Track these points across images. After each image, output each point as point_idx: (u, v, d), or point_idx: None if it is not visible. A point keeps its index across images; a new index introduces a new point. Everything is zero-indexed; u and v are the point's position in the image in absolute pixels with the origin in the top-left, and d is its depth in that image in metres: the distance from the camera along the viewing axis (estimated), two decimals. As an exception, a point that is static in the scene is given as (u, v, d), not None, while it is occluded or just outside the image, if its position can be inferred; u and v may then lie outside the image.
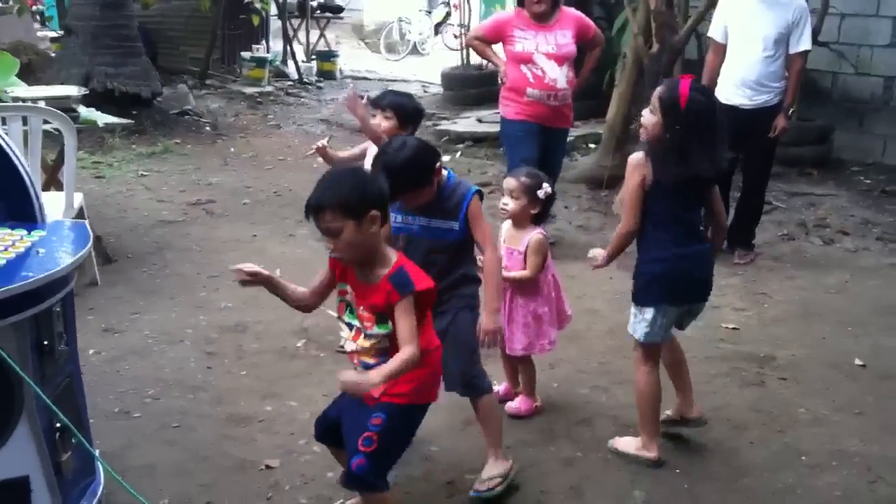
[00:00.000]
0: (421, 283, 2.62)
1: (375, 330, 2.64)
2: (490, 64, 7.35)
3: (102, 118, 5.77)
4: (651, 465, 3.46)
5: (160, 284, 5.28)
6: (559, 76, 5.73)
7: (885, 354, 4.59)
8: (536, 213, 3.71)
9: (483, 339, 3.22)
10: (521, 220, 3.74)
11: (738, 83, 5.86)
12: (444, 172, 3.15)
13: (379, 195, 2.59)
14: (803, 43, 5.81)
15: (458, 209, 3.12)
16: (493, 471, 3.30)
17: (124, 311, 4.85)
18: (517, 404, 3.90)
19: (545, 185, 3.68)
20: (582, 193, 7.56)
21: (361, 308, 2.66)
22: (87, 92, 6.33)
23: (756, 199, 6.22)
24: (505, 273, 3.59)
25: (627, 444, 3.56)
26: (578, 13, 6.06)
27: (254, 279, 2.69)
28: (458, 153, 9.03)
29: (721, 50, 6.01)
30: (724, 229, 3.63)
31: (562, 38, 5.75)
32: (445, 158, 8.68)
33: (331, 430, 2.90)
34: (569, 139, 8.83)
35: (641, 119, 3.35)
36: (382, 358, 2.64)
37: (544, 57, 5.72)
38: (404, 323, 2.56)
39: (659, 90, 3.28)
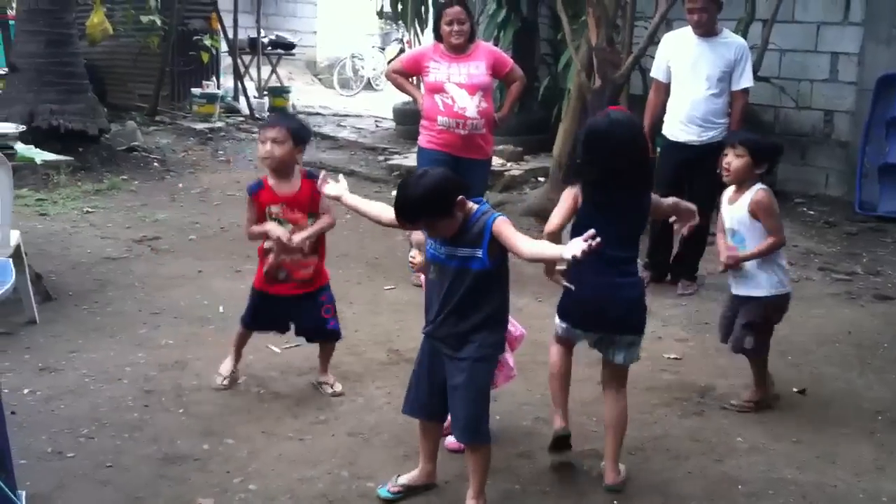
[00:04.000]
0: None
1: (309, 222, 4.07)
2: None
3: (41, 155, 5.71)
4: (555, 436, 3.64)
5: (100, 322, 5.20)
6: (469, 105, 5.88)
7: (824, 383, 4.65)
8: None
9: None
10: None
11: (684, 120, 5.98)
12: (473, 205, 3.17)
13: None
14: (745, 80, 5.95)
15: (482, 236, 3.11)
16: None
17: (62, 350, 4.76)
18: (455, 441, 3.87)
19: None
20: (531, 226, 7.57)
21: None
22: (24, 129, 6.25)
23: (701, 232, 6.30)
24: None
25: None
26: (494, 48, 6.29)
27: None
28: (409, 188, 9.03)
29: (663, 88, 6.13)
30: (689, 209, 3.79)
31: (474, 69, 5.92)
32: (393, 193, 8.74)
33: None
34: (517, 173, 9.00)
35: None
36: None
37: (455, 86, 5.88)
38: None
39: None
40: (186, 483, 3.52)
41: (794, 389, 4.51)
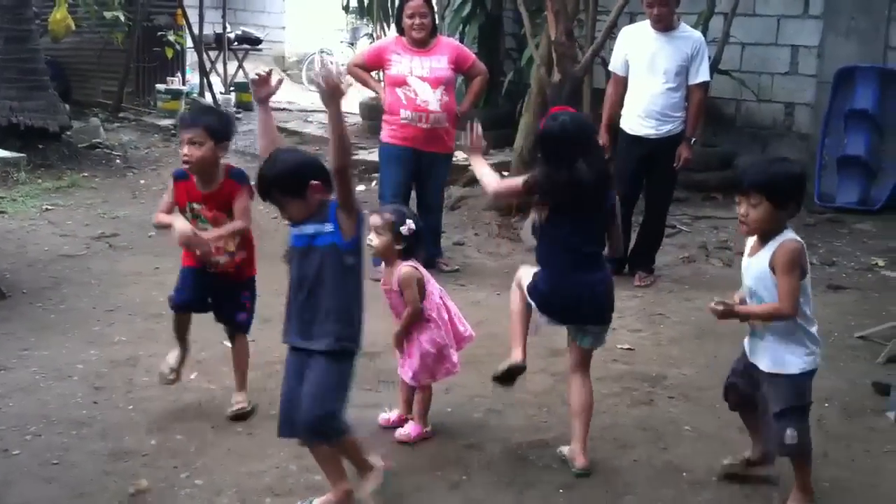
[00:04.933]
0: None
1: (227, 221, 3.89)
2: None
3: (-6, 152, 5.65)
4: (511, 366, 3.69)
5: (54, 320, 5.17)
6: (431, 98, 5.92)
7: (773, 371, 4.69)
8: (401, 248, 3.74)
9: None
10: (387, 257, 3.78)
11: (642, 114, 6.02)
12: (332, 196, 3.13)
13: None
14: (702, 74, 6.00)
15: (328, 209, 3.12)
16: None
17: (13, 348, 4.73)
18: (407, 430, 3.89)
19: (409, 221, 3.74)
20: (492, 220, 7.62)
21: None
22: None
23: (658, 224, 6.36)
24: (396, 335, 3.81)
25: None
26: (456, 43, 6.33)
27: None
28: (374, 182, 9.02)
29: (621, 82, 6.17)
30: (619, 247, 3.89)
31: (436, 63, 5.96)
32: (360, 188, 8.74)
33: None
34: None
35: None
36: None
37: (418, 80, 5.92)
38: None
39: None
40: (132, 478, 3.50)
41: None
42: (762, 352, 3.26)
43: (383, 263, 3.85)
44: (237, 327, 4.16)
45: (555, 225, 3.55)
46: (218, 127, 3.85)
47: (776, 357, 3.21)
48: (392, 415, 4.02)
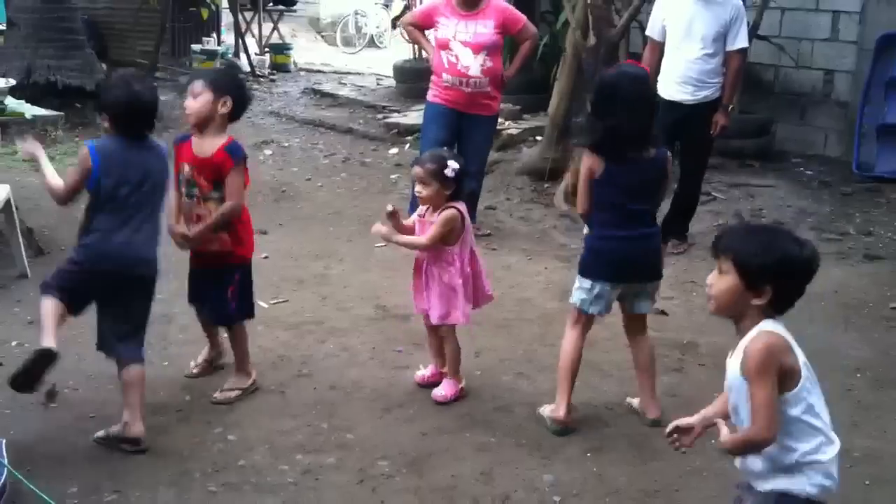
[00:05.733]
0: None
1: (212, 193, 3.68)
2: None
3: (31, 110, 5.74)
4: (556, 426, 3.64)
5: (91, 276, 5.23)
6: (472, 64, 5.87)
7: (806, 341, 4.58)
8: (450, 193, 3.75)
9: None
10: (438, 204, 3.78)
11: (679, 80, 5.95)
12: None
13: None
14: (740, 41, 5.91)
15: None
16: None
17: (51, 304, 4.80)
18: (443, 391, 3.92)
19: (451, 162, 3.72)
20: (524, 185, 7.60)
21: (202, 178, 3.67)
22: (13, 84, 6.25)
23: (692, 191, 6.30)
24: (398, 237, 3.80)
25: (546, 407, 3.75)
26: (506, 5, 6.21)
27: None
28: (407, 145, 9.04)
29: (657, 48, 6.10)
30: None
31: (482, 28, 5.88)
32: (394, 150, 8.74)
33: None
34: (515, 132, 8.96)
35: None
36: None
37: (460, 44, 5.87)
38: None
39: None
40: (167, 433, 3.58)
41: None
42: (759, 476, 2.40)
43: (417, 213, 3.89)
44: (221, 320, 3.98)
45: (607, 182, 3.55)
46: (219, 80, 3.74)
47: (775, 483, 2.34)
48: (427, 372, 4.05)
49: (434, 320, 3.86)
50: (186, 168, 3.73)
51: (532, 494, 3.26)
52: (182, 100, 4.03)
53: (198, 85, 3.70)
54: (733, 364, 2.36)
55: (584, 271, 3.67)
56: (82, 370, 4.07)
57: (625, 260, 3.61)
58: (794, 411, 2.30)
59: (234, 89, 3.75)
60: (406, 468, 3.39)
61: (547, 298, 5.19)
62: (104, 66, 10.32)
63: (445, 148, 4.49)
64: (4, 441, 3.15)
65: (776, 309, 2.33)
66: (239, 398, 3.86)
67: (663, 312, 4.88)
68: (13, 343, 4.29)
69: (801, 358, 2.34)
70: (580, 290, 3.67)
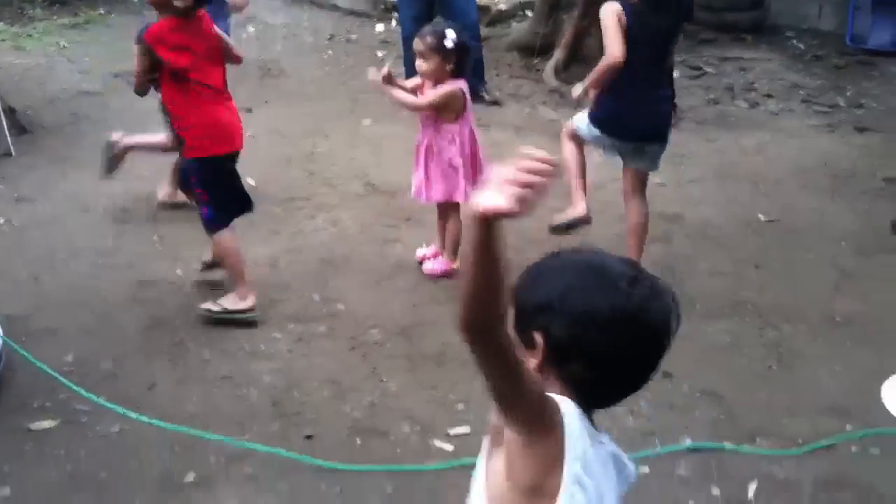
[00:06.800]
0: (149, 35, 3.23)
1: None
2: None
3: (7, -16, 5.54)
4: (581, 221, 3.75)
5: (76, 155, 5.19)
6: None
7: (793, 212, 4.70)
8: (453, 66, 3.68)
9: None
10: (441, 80, 3.70)
11: None
12: None
13: None
14: None
15: None
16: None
17: (38, 182, 4.79)
18: (433, 265, 3.95)
19: (449, 32, 3.64)
20: (514, 61, 7.45)
21: None
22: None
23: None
24: (395, 91, 3.76)
25: (561, 215, 3.80)
26: None
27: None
28: (393, 21, 8.82)
29: None
30: None
31: None
32: (380, 27, 8.57)
33: None
34: (505, 7, 8.75)
35: None
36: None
37: None
38: None
39: None
40: (160, 304, 3.62)
41: (762, 217, 4.57)
42: None
43: (415, 81, 3.84)
44: (203, 225, 3.51)
45: (637, 25, 3.46)
46: None
47: None
48: (428, 250, 4.07)
49: (437, 198, 3.85)
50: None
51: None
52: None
53: None
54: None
55: (595, 120, 3.67)
56: (72, 246, 4.08)
57: (627, 120, 3.61)
58: None
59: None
60: (397, 336, 3.44)
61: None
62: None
63: (443, 21, 4.35)
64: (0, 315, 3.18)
65: (579, 391, 1.28)
66: (220, 319, 3.45)
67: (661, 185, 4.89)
68: (1, 220, 4.29)
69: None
70: (585, 125, 3.70)
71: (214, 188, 3.41)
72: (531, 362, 1.25)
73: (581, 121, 3.74)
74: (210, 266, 3.79)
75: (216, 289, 3.64)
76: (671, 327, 1.27)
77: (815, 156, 5.52)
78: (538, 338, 1.25)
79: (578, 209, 3.75)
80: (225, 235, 3.46)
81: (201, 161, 3.39)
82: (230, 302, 3.48)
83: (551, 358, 1.25)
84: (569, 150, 3.79)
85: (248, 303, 3.48)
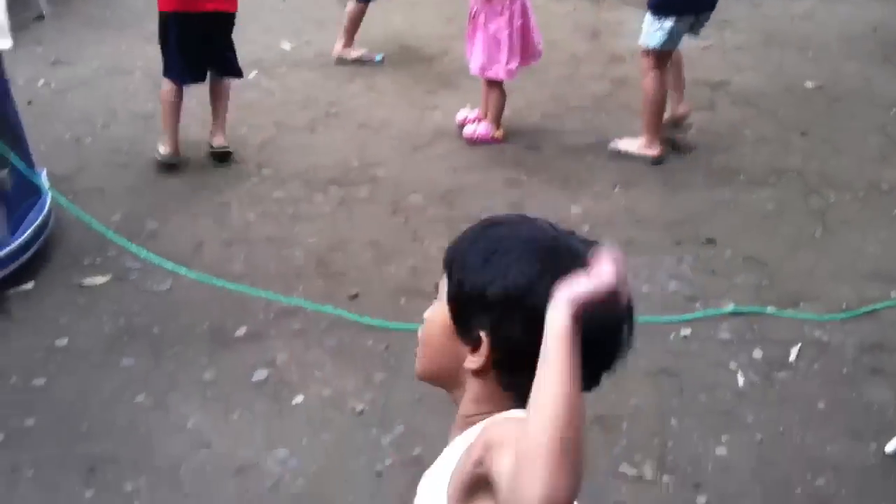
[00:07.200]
0: None
1: None
2: None
3: None
4: (654, 161, 3.68)
5: (109, 17, 5.14)
6: None
7: (841, 78, 4.58)
8: None
9: None
10: None
11: None
12: None
13: None
14: None
15: None
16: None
17: (73, 44, 4.75)
18: (473, 129, 3.90)
19: None
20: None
21: None
22: None
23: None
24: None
25: (629, 143, 3.74)
26: None
27: None
28: None
29: None
30: None
31: None
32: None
33: None
34: None
35: None
36: None
37: None
38: None
39: None
40: (202, 167, 3.63)
41: (809, 84, 4.46)
42: None
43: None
44: (233, 72, 3.68)
45: None
46: None
47: None
48: (471, 113, 4.01)
49: (473, 71, 3.79)
50: None
51: (561, 224, 3.31)
52: None
53: None
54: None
55: (665, 10, 3.53)
56: (111, 108, 4.08)
57: None
58: None
59: None
60: (437, 200, 3.44)
61: (573, 41, 5.06)
62: None
63: None
64: (45, 170, 3.19)
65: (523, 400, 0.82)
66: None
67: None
68: (40, 83, 4.28)
69: None
70: (658, 31, 3.54)
71: (162, 43, 3.59)
72: (468, 363, 0.93)
73: (649, 33, 3.57)
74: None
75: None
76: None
77: (864, 22, 5.34)
78: (483, 337, 0.92)
79: (654, 149, 3.69)
80: (164, 87, 3.58)
81: (158, 14, 3.57)
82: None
83: (498, 362, 0.92)
84: (656, 82, 3.63)
85: (163, 151, 3.55)
